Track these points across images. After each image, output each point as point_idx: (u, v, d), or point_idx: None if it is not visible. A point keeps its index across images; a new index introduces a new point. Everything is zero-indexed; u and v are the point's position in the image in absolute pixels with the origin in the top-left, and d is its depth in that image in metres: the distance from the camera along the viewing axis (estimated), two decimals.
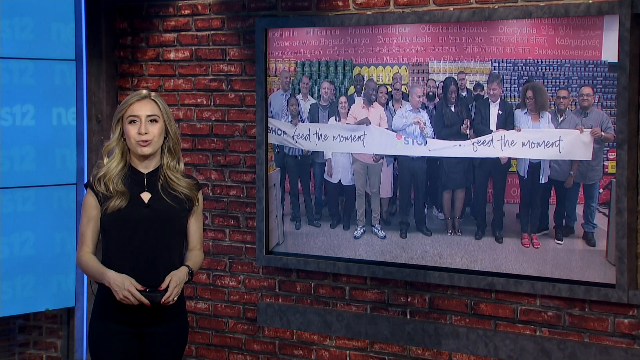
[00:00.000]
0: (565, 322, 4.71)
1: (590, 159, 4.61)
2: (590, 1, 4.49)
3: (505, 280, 4.79)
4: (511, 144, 4.83)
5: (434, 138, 5.05)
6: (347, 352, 5.32)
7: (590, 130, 4.59)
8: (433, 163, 5.07)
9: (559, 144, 4.69)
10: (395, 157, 5.19)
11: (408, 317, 5.12)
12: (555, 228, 4.75)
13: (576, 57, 4.62)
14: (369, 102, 5.22)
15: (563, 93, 4.67)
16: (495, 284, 4.82)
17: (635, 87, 4.45)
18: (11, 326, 6.05)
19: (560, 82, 4.67)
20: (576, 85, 4.63)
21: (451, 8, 4.85)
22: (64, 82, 5.74)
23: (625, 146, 4.45)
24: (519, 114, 4.79)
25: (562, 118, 4.68)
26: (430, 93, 5.03)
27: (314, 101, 5.37)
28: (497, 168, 4.88)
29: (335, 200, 5.38)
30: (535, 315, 4.78)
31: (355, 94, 5.25)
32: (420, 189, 5.14)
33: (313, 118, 5.37)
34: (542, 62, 4.71)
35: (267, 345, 5.57)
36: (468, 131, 4.94)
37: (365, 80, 5.21)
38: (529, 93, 4.75)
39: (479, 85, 4.91)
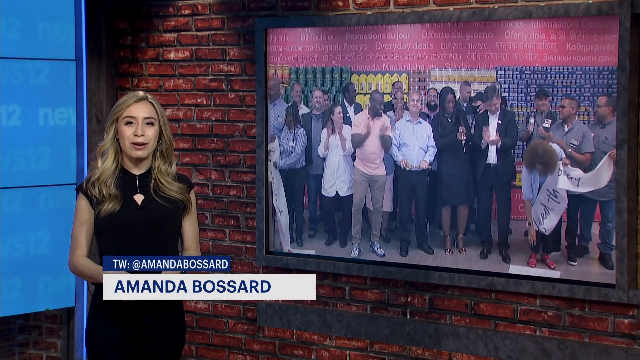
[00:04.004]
0: (565, 322, 4.71)
1: (606, 184, 4.48)
2: (590, 1, 4.49)
3: (505, 280, 4.79)
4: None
5: (435, 152, 4.91)
6: (347, 352, 5.32)
7: (608, 153, 4.47)
8: (433, 176, 4.93)
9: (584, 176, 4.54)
10: (394, 168, 5.04)
11: (408, 317, 5.12)
12: (567, 248, 4.62)
13: (589, 64, 4.47)
14: (374, 114, 5.07)
15: (566, 102, 4.52)
16: (495, 284, 4.82)
17: (635, 87, 4.45)
18: (11, 326, 6.05)
19: (571, 91, 4.52)
20: (589, 94, 4.47)
21: (451, 8, 4.85)
22: (55, 82, 5.73)
23: (625, 146, 4.45)
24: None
25: (568, 128, 4.56)
26: (432, 103, 4.88)
27: (307, 110, 5.25)
28: (499, 181, 4.74)
29: (331, 215, 5.22)
30: (535, 315, 4.78)
31: (354, 103, 5.09)
32: (420, 204, 4.97)
33: (306, 128, 5.25)
34: (551, 69, 4.56)
35: (267, 345, 5.57)
36: (463, 138, 4.81)
37: (371, 91, 5.04)
38: (538, 167, 4.61)
39: (480, 96, 4.77)
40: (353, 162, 5.19)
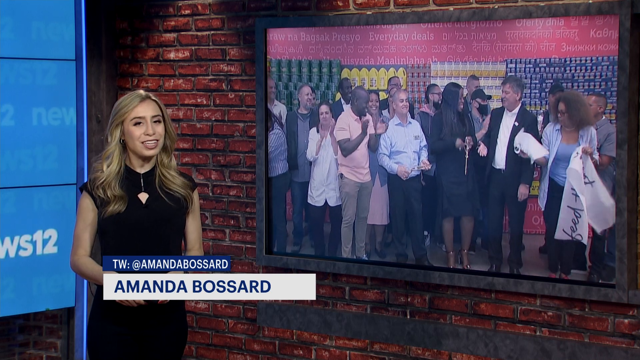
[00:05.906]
0: (565, 322, 4.71)
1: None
2: (590, 1, 4.49)
3: (505, 280, 4.78)
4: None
5: (428, 158, 4.52)
6: (347, 352, 5.32)
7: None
8: (432, 183, 4.54)
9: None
10: (387, 177, 4.66)
11: (408, 317, 5.12)
12: (591, 268, 4.39)
13: (615, 54, 4.13)
14: (359, 114, 4.64)
15: (591, 100, 4.19)
16: (495, 284, 4.82)
17: (635, 87, 4.45)
18: (11, 326, 6.05)
19: (595, 85, 4.20)
20: (615, 89, 4.14)
21: (451, 8, 4.85)
22: (54, 82, 5.72)
23: (625, 146, 4.45)
24: (550, 129, 4.10)
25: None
26: (438, 101, 4.51)
27: (283, 108, 4.88)
28: (510, 189, 4.41)
29: (319, 227, 4.87)
30: (535, 315, 4.78)
31: (342, 101, 4.69)
32: (415, 216, 4.56)
33: (290, 129, 4.83)
34: (571, 61, 4.21)
35: (267, 345, 5.57)
36: (463, 143, 4.44)
37: (354, 88, 4.57)
38: (561, 106, 4.07)
39: (479, 92, 4.44)
40: (337, 169, 4.78)
